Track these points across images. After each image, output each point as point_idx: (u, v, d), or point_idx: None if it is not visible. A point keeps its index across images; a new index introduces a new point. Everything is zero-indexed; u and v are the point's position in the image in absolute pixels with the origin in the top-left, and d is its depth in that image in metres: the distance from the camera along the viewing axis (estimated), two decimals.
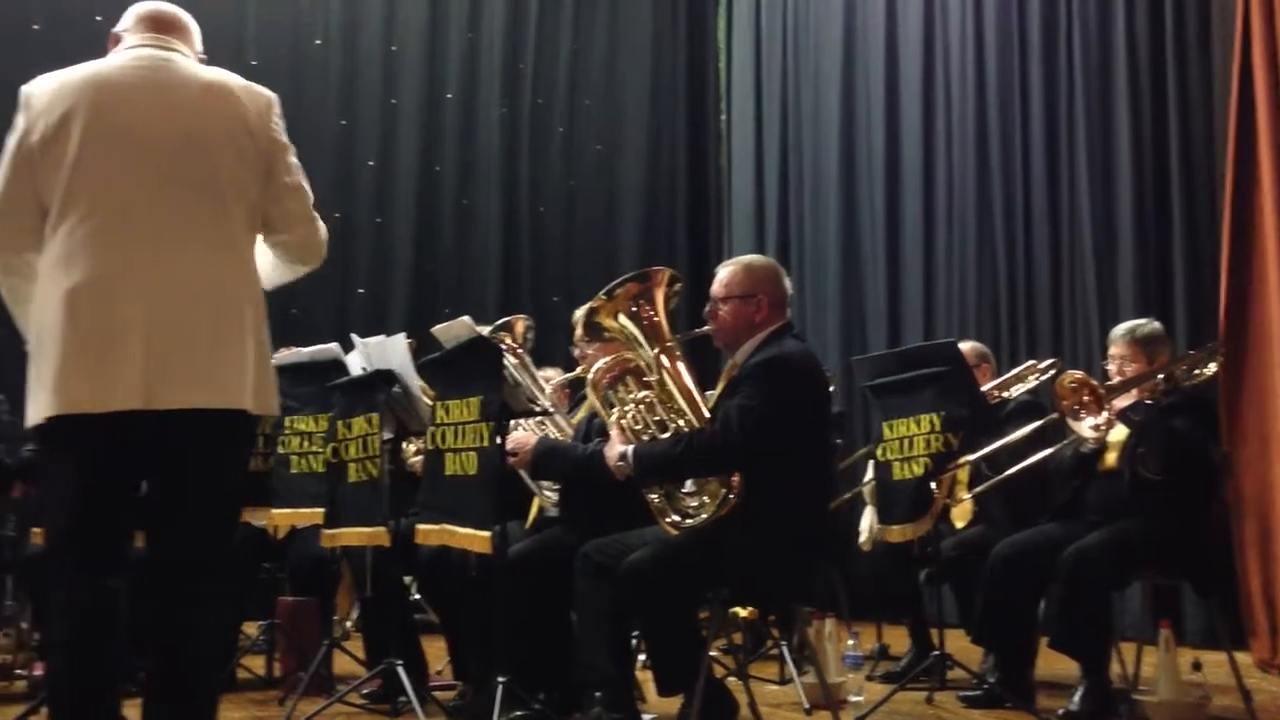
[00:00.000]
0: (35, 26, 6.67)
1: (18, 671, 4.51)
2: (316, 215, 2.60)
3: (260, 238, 2.56)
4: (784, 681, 4.26)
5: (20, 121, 2.42)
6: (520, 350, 3.98)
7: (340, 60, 7.54)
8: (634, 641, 3.56)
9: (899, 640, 4.93)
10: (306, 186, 2.57)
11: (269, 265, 2.59)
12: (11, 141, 2.42)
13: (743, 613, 4.51)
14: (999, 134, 6.52)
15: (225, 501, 2.52)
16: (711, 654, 3.27)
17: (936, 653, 3.96)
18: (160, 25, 2.54)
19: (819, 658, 3.78)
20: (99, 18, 6.70)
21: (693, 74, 8.53)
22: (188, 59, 2.54)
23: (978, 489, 4.12)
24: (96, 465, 2.37)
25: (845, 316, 7.33)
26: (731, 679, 3.60)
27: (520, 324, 4.20)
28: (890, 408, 3.98)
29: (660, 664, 3.15)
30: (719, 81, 8.51)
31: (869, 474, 4.73)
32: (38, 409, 2.35)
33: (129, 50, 2.50)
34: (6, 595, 4.79)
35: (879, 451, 4.00)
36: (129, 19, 2.57)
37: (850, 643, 4.11)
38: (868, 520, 4.86)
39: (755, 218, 8.00)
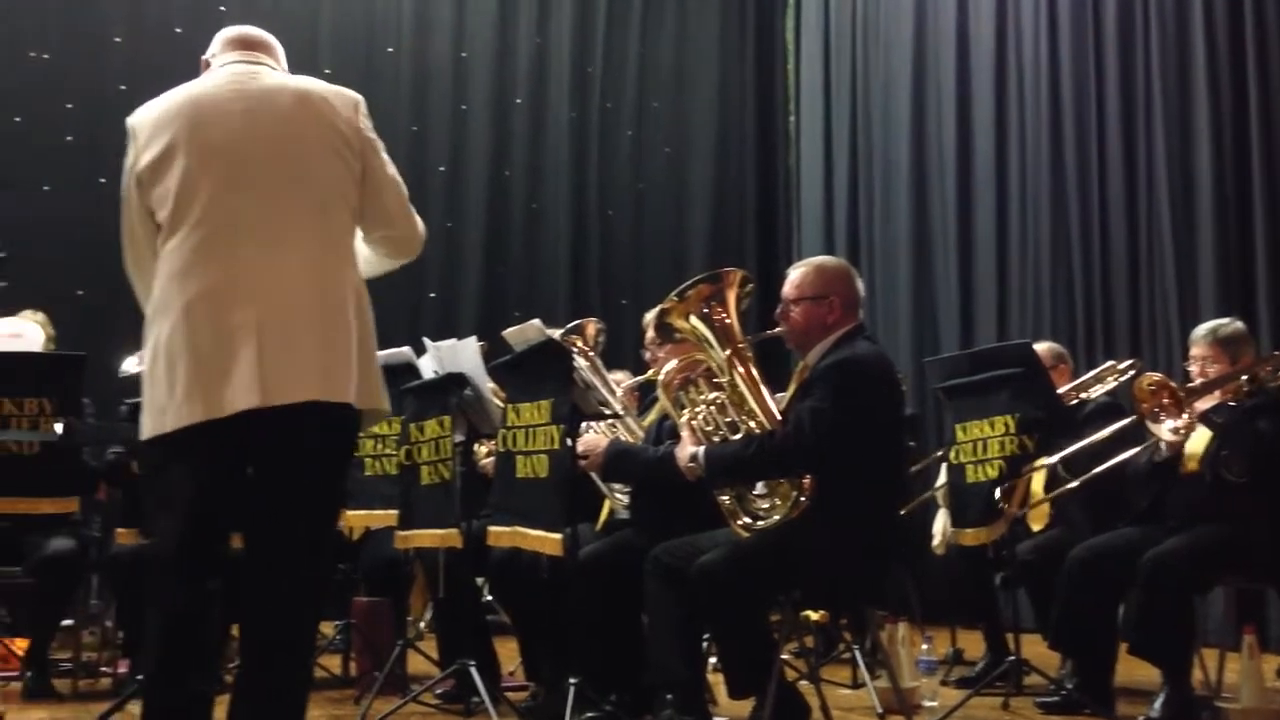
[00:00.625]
0: (117, 39, 6.84)
1: (103, 669, 4.62)
2: (412, 208, 2.67)
3: (359, 234, 2.63)
4: (856, 685, 4.23)
5: (130, 153, 2.53)
6: (591, 353, 3.99)
7: (411, 67, 7.63)
8: (705, 644, 3.55)
9: (974, 645, 4.87)
10: (400, 181, 2.64)
11: (365, 258, 2.66)
12: (126, 173, 2.53)
13: (814, 616, 4.48)
14: (1074, 130, 6.41)
15: (329, 495, 2.58)
16: (783, 657, 3.26)
17: (1012, 658, 3.91)
18: (247, 44, 2.64)
19: (892, 662, 3.74)
20: (178, 29, 6.88)
21: (761, 75, 8.51)
22: (276, 70, 2.63)
23: (1055, 493, 4.06)
24: (212, 470, 2.44)
25: (917, 317, 7.26)
26: (803, 682, 3.58)
27: (591, 327, 4.21)
28: (963, 410, 3.94)
29: (731, 666, 3.14)
30: (787, 83, 8.47)
31: (942, 477, 4.69)
32: (160, 422, 2.42)
33: (221, 70, 2.60)
34: (92, 594, 4.92)
35: (952, 454, 3.96)
36: (217, 44, 2.67)
37: (924, 647, 4.07)
38: (941, 523, 4.82)
39: (824, 219, 7.96)
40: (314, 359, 2.42)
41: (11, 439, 3.93)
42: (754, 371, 3.26)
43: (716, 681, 3.44)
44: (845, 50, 7.93)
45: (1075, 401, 4.32)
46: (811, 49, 8.21)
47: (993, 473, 3.75)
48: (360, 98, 2.62)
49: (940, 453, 4.70)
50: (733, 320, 3.29)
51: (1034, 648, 4.05)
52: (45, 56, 6.69)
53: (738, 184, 8.35)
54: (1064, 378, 4.49)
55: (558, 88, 7.97)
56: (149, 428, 2.45)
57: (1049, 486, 4.17)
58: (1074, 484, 3.87)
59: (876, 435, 3.13)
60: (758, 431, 3.17)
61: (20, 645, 4.54)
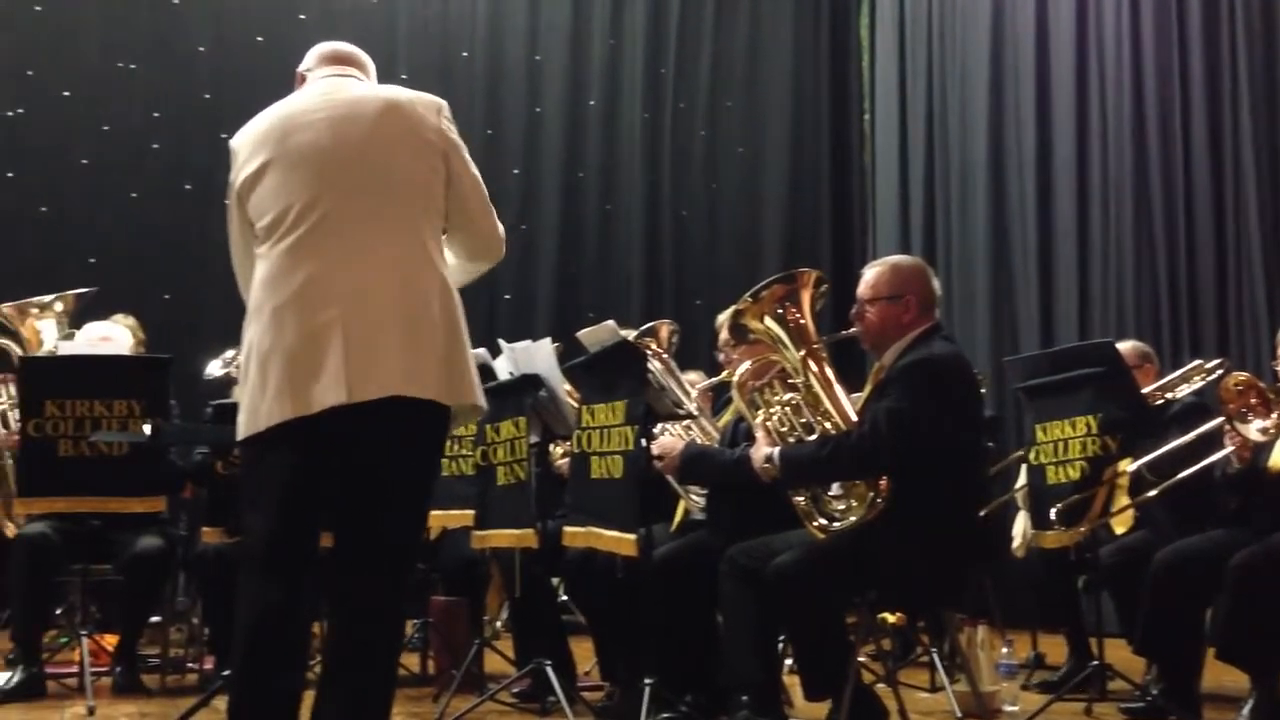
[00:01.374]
0: (201, 49, 7.00)
1: (189, 665, 4.73)
2: (494, 211, 2.73)
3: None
4: (935, 689, 4.18)
5: (232, 170, 2.63)
6: (665, 355, 4.00)
7: (486, 70, 7.70)
8: (780, 645, 3.54)
9: (1055, 649, 4.79)
10: (482, 182, 2.70)
11: (450, 269, 2.70)
12: (229, 189, 2.65)
13: (891, 618, 4.44)
14: (1158, 126, 6.27)
15: (418, 492, 2.62)
16: (859, 659, 3.23)
17: (1096, 663, 3.84)
18: (339, 59, 2.74)
19: (971, 665, 3.69)
20: (259, 38, 7.02)
21: (835, 73, 8.44)
22: (365, 83, 2.72)
23: (1140, 498, 3.97)
24: (301, 467, 2.50)
25: (995, 316, 7.15)
26: (880, 685, 3.55)
27: (665, 328, 4.22)
28: (1044, 410, 3.87)
29: (807, 668, 3.12)
30: (862, 80, 8.40)
31: (1022, 478, 4.62)
32: (254, 421, 2.48)
33: (313, 84, 2.70)
34: (179, 592, 5.04)
35: (1032, 455, 3.90)
36: (310, 59, 2.76)
37: (1004, 651, 4.01)
38: (1021, 525, 4.74)
39: (900, 218, 7.87)
40: (397, 355, 2.47)
41: (103, 440, 4.03)
42: (829, 372, 3.24)
43: (792, 683, 3.42)
44: (921, 46, 7.83)
45: (1160, 402, 4.23)
46: (886, 45, 8.12)
47: (1074, 474, 3.68)
48: (443, 102, 2.68)
49: (1020, 454, 4.64)
50: (807, 321, 3.28)
51: (1118, 652, 3.97)
52: (133, 67, 6.86)
53: (812, 184, 8.29)
54: (1149, 377, 4.39)
55: (631, 89, 7.98)
56: (244, 428, 2.52)
57: (1134, 490, 4.08)
58: (1153, 492, 3.79)
59: (954, 436, 3.10)
60: (833, 433, 3.15)
61: (110, 641, 4.66)
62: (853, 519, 3.09)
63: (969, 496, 3.20)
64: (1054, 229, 6.87)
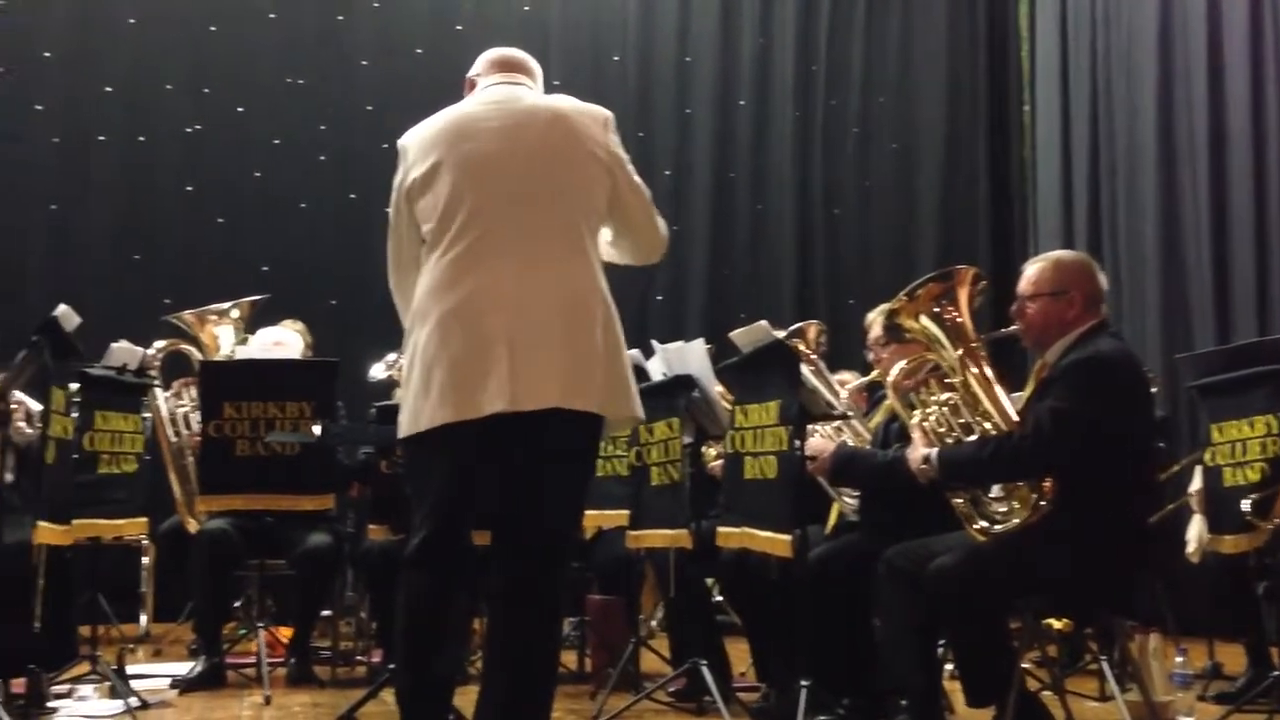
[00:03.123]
0: (364, 62, 7.25)
1: (358, 658, 4.90)
2: (657, 216, 2.80)
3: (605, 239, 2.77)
4: (1104, 698, 4.04)
5: (400, 170, 2.72)
6: (814, 356, 3.97)
7: (637, 74, 7.76)
8: (941, 649, 3.47)
9: (1233, 659, 4.57)
10: (646, 191, 2.77)
11: (605, 247, 2.78)
12: (395, 189, 2.74)
13: (1057, 624, 4.31)
14: None
15: (573, 496, 2.68)
16: (1024, 666, 3.15)
17: (1277, 673, 3.65)
18: (508, 66, 2.80)
19: (1143, 674, 3.56)
20: (419, 50, 7.23)
21: (993, 65, 8.22)
22: (534, 91, 2.78)
23: None
24: (461, 469, 2.58)
25: (1167, 312, 6.85)
26: (1046, 693, 3.44)
27: (813, 330, 4.19)
28: (1219, 409, 3.71)
29: (969, 674, 3.05)
30: (1021, 71, 8.16)
31: (1196, 481, 4.43)
32: (416, 420, 2.57)
33: (483, 91, 2.76)
34: (347, 587, 5.22)
35: (1207, 456, 3.74)
36: (481, 64, 2.83)
37: (1178, 660, 3.85)
38: (1196, 530, 4.55)
39: (1062, 212, 7.62)
40: (560, 368, 2.54)
41: (276, 440, 4.21)
42: (988, 371, 3.17)
43: (953, 689, 3.35)
44: (1084, 34, 7.56)
45: None
46: (1047, 34, 7.87)
47: (1254, 476, 3.52)
48: (610, 114, 2.75)
49: (1195, 455, 4.45)
50: (965, 319, 3.20)
51: None
52: (301, 82, 7.16)
53: (969, 178, 8.10)
54: None
55: (781, 87, 7.94)
56: (405, 427, 2.61)
57: None
58: None
59: (1122, 437, 2.98)
60: (993, 433, 3.07)
61: (285, 633, 4.86)
62: (1015, 521, 3.01)
63: (1138, 499, 3.08)
64: (1229, 220, 6.54)
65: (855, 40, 8.06)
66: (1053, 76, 7.78)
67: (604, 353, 2.59)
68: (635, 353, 4.25)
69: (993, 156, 8.15)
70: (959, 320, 3.20)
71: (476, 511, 2.63)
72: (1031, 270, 3.22)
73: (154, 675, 4.48)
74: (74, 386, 3.74)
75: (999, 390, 3.15)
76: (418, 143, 2.69)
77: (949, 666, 3.64)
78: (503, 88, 2.74)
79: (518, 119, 2.66)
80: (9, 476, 3.85)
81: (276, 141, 7.08)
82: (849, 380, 4.40)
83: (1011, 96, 8.20)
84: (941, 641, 3.39)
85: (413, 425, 2.58)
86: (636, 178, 2.74)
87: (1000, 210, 8.11)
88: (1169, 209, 6.88)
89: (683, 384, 3.82)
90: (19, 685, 3.49)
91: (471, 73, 2.84)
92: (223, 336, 5.37)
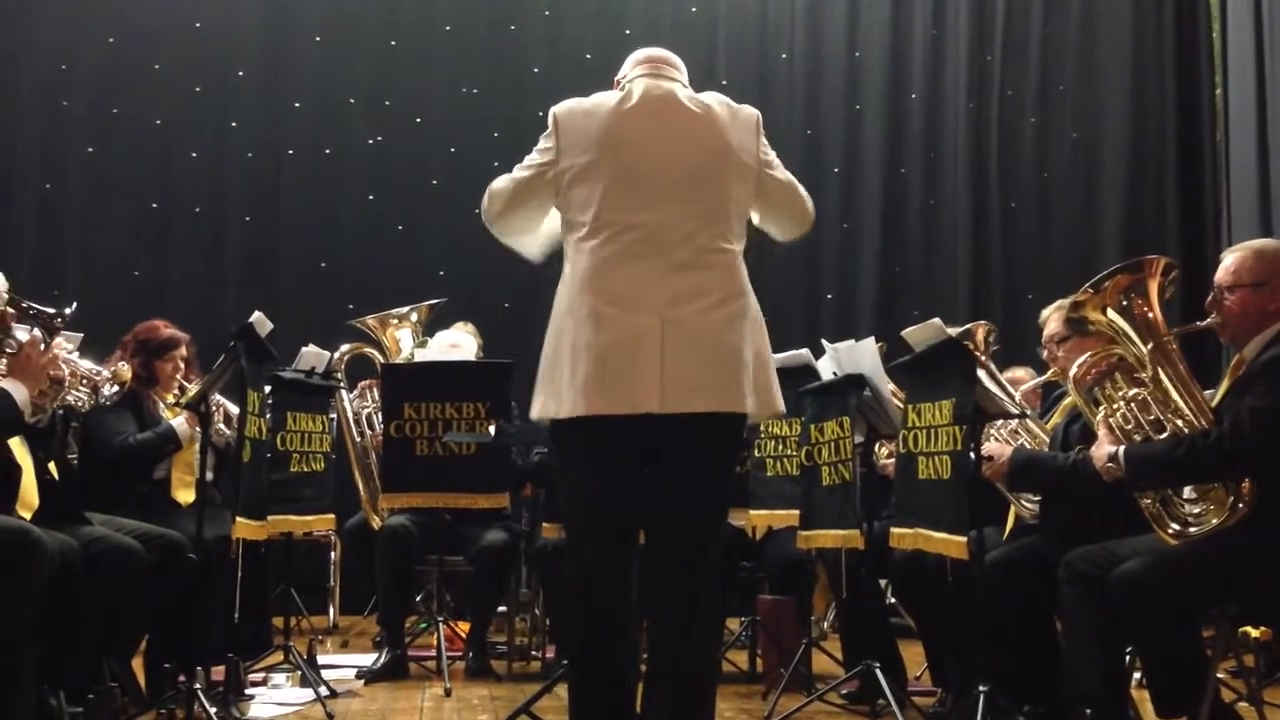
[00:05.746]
0: (535, 70, 7.40)
1: (533, 653, 5.00)
2: (803, 194, 2.83)
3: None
4: None
5: (549, 140, 2.77)
6: (984, 357, 3.87)
7: (804, 71, 7.68)
8: (1127, 656, 3.33)
9: None
10: (793, 182, 2.81)
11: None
12: (537, 157, 2.79)
13: (1254, 632, 4.08)
14: None
15: (717, 493, 2.69)
16: (1218, 675, 2.99)
17: None
18: (658, 63, 2.84)
19: None
20: (588, 55, 7.34)
21: (1180, 45, 7.82)
22: (685, 89, 2.81)
23: None
24: (613, 466, 2.62)
25: None
26: (1242, 704, 3.27)
27: (981, 330, 4.09)
28: None
29: (1158, 683, 2.92)
30: (1212, 50, 7.74)
31: None
32: (559, 407, 2.61)
33: (635, 83, 2.79)
34: (522, 583, 5.34)
35: None
36: (629, 65, 2.88)
37: None
38: None
39: (1260, 198, 7.19)
40: (709, 370, 2.57)
41: (453, 440, 4.33)
42: (1181, 367, 3.02)
43: (1141, 698, 3.21)
44: None
45: None
46: (1240, 10, 7.44)
47: None
48: (758, 114, 2.78)
49: None
50: (1156, 313, 3.06)
51: None
52: (475, 92, 7.35)
53: (1156, 166, 7.73)
54: None
55: (954, 79, 7.74)
56: (538, 409, 2.66)
57: None
58: None
59: None
60: (1186, 431, 2.93)
61: (462, 627, 5.00)
62: (1212, 523, 2.87)
63: None
64: None
65: (1033, 26, 7.79)
66: (1247, 56, 7.35)
67: (751, 354, 2.62)
68: (805, 352, 4.22)
69: (1182, 142, 7.75)
70: (1149, 314, 3.06)
71: (629, 512, 2.65)
72: (1231, 260, 3.06)
73: (341, 665, 4.68)
74: (267, 389, 3.93)
75: (1194, 386, 3.01)
76: (573, 128, 2.72)
77: (1137, 674, 3.49)
78: (652, 81, 2.77)
79: (670, 119, 2.71)
80: (209, 475, 4.07)
81: (452, 150, 7.28)
82: (1024, 378, 4.27)
83: (1202, 78, 7.78)
84: (1128, 648, 3.25)
85: (553, 407, 2.62)
86: (783, 173, 2.79)
87: (1190, 199, 7.72)
88: None
89: (853, 383, 3.77)
90: (219, 673, 3.68)
91: (619, 75, 2.88)
92: (403, 339, 5.55)
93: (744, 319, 2.64)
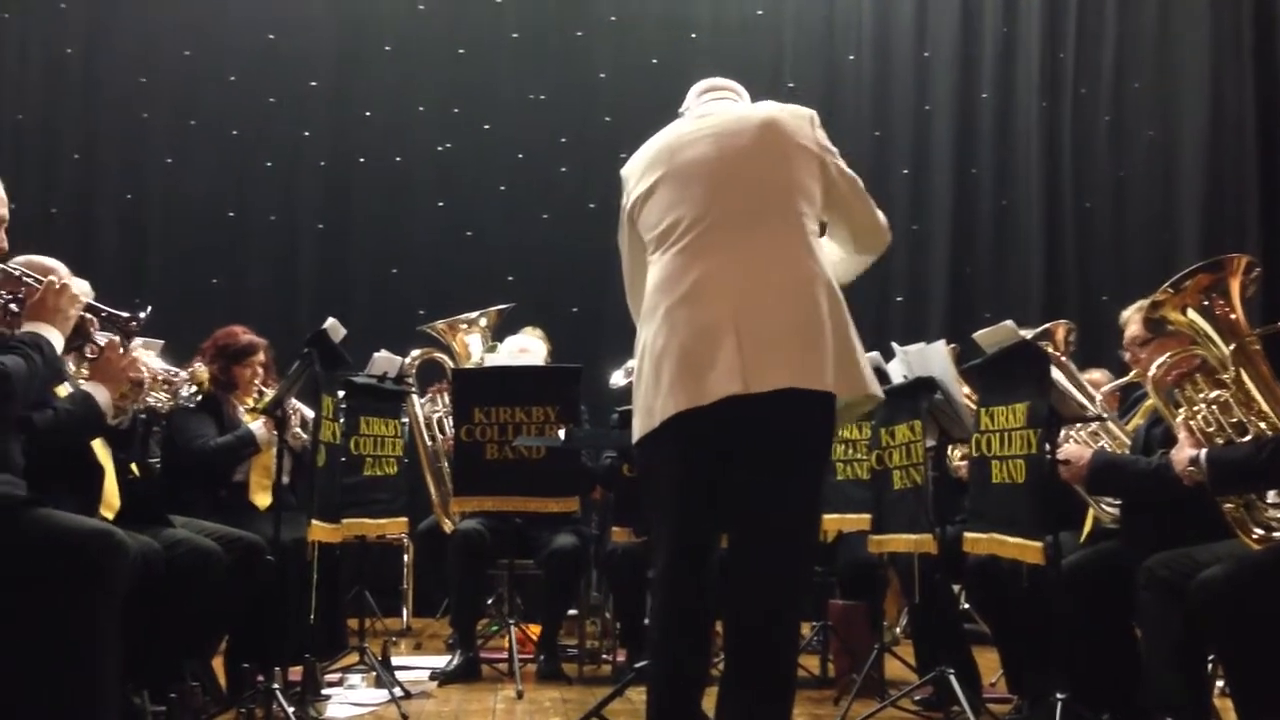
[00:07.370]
0: (602, 75, 7.44)
1: (604, 656, 5.02)
2: (872, 204, 2.83)
3: (827, 239, 2.81)
4: None
5: (624, 197, 2.86)
6: (1063, 358, 3.80)
7: (872, 72, 7.63)
8: (1210, 664, 3.26)
9: None
10: (856, 178, 2.80)
11: (835, 263, 2.79)
12: (622, 212, 2.88)
13: None
14: None
15: (807, 482, 2.65)
16: None
17: None
18: (715, 87, 2.93)
19: None
20: (654, 60, 7.34)
21: (1260, 40, 7.61)
22: (741, 101, 2.89)
23: None
24: (696, 459, 2.61)
25: None
26: None
27: (1061, 330, 4.02)
28: None
29: (1243, 692, 2.85)
30: None
31: None
32: (649, 420, 2.62)
33: (694, 107, 2.89)
34: (592, 587, 5.35)
35: None
36: (690, 95, 2.96)
37: None
38: None
39: None
40: (789, 348, 2.55)
41: (523, 444, 4.35)
42: (1264, 368, 2.95)
43: (1225, 707, 3.14)
44: None
45: None
46: None
47: None
48: (813, 112, 2.80)
49: None
50: (1238, 313, 3.00)
51: None
52: (542, 98, 7.40)
53: (1236, 162, 7.54)
54: None
55: (1026, 78, 7.63)
56: (639, 428, 2.65)
57: None
58: None
59: None
60: (1270, 434, 2.86)
61: (533, 630, 5.03)
62: None
63: None
64: None
65: (1108, 22, 7.65)
66: None
67: (832, 331, 2.58)
68: (875, 355, 4.18)
69: (1263, 139, 7.55)
70: (1231, 314, 2.99)
71: (715, 507, 2.64)
72: None
73: (415, 667, 4.73)
74: (340, 394, 3.98)
75: (1278, 387, 2.93)
76: (636, 168, 2.82)
77: (1219, 683, 3.41)
78: (711, 103, 2.87)
79: (729, 125, 2.75)
80: (285, 478, 4.13)
81: (520, 156, 7.34)
82: (1101, 380, 4.20)
83: None
84: (1211, 656, 3.18)
85: (646, 424, 2.62)
86: (847, 169, 2.78)
87: (1273, 197, 7.52)
88: None
89: (925, 386, 3.73)
90: (296, 673, 3.73)
91: (681, 108, 2.94)
92: (472, 345, 5.60)
93: (822, 297, 2.58)
